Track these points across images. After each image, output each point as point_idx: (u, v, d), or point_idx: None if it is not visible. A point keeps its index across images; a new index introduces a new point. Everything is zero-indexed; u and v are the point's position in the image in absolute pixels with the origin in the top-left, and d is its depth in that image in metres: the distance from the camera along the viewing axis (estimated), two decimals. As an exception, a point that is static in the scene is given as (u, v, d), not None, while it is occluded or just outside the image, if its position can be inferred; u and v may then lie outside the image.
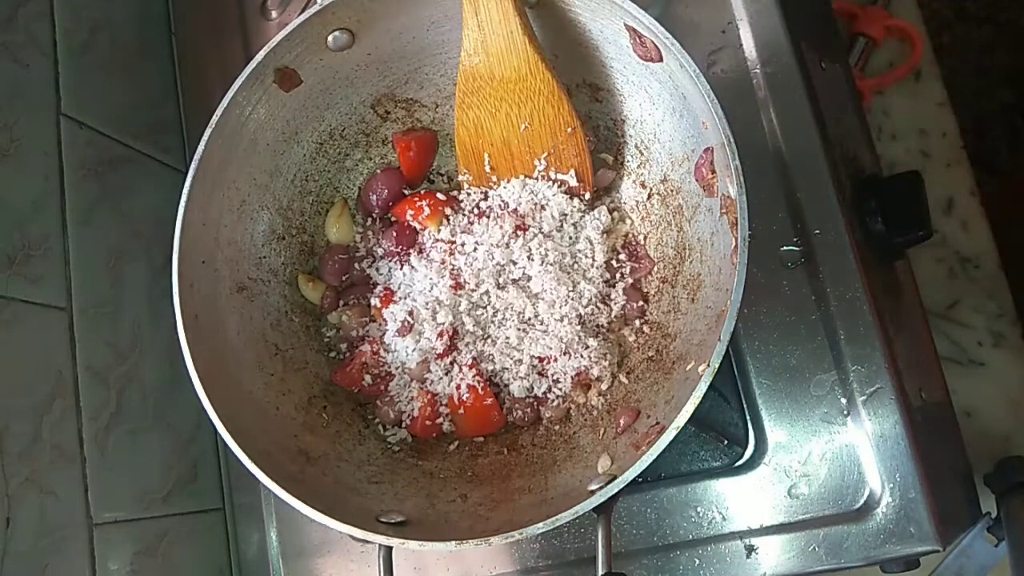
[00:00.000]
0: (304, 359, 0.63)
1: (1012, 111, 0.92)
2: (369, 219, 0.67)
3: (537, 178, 0.63)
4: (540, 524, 0.46)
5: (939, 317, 0.83)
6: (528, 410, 0.61)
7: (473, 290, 0.61)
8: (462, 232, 0.63)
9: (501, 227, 0.61)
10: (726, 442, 0.63)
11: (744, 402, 0.63)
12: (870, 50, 0.88)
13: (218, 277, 0.59)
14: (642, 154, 0.62)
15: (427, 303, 0.60)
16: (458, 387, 0.60)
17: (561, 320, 0.59)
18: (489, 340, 0.61)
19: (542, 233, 0.61)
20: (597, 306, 0.61)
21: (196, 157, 0.56)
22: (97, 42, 0.72)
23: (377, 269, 0.65)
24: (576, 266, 0.61)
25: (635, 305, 0.61)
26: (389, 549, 0.52)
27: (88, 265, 0.66)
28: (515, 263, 0.61)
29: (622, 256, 0.62)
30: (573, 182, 0.63)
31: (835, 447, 0.60)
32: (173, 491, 0.70)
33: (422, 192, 0.65)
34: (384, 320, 0.62)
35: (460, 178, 0.65)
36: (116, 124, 0.72)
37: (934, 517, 0.58)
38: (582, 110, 0.62)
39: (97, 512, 0.61)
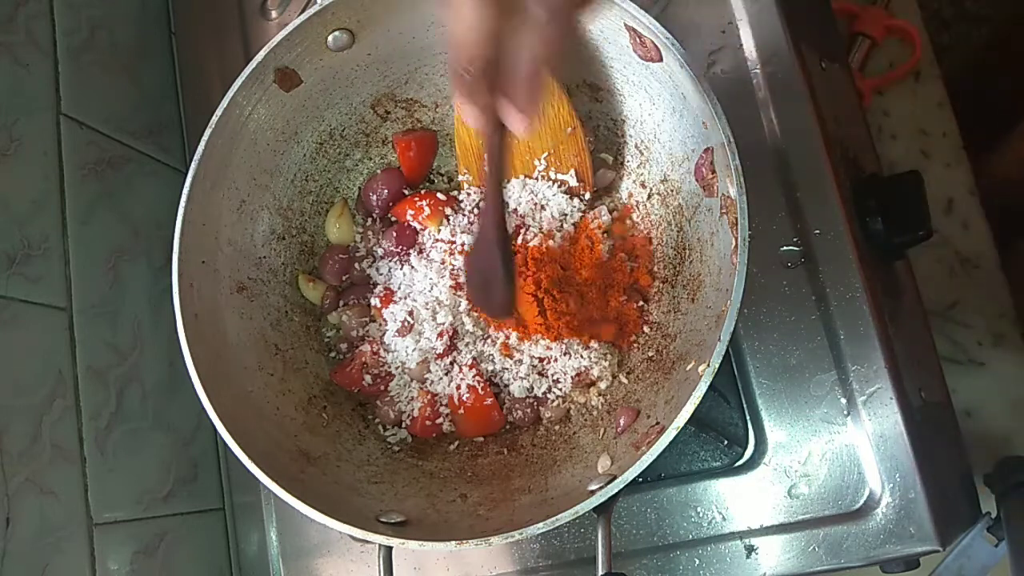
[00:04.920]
0: (304, 359, 0.63)
1: (1012, 111, 0.92)
2: (369, 219, 0.67)
3: (537, 178, 0.63)
4: (540, 524, 0.46)
5: (939, 317, 0.83)
6: (528, 410, 0.61)
7: (473, 290, 0.61)
8: (462, 232, 0.63)
9: (501, 227, 0.61)
10: (726, 442, 0.63)
11: (744, 402, 0.63)
12: (870, 50, 0.88)
13: (218, 277, 0.59)
14: (642, 154, 0.62)
15: (427, 303, 0.60)
16: (458, 387, 0.60)
17: (561, 320, 0.59)
18: (489, 340, 0.61)
19: (542, 233, 0.61)
20: (597, 306, 0.61)
21: (196, 157, 0.56)
22: (97, 42, 0.72)
23: (377, 269, 0.65)
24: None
25: (635, 305, 0.61)
26: (389, 549, 0.52)
27: (88, 265, 0.66)
28: (515, 263, 0.61)
29: (622, 256, 0.62)
30: (573, 182, 0.63)
31: (835, 447, 0.60)
32: (173, 491, 0.70)
33: (422, 192, 0.65)
34: (384, 320, 0.62)
35: (460, 178, 0.65)
36: (116, 124, 0.72)
37: (934, 517, 0.58)
38: (582, 110, 0.62)
39: (97, 512, 0.61)
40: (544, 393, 0.61)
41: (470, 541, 0.48)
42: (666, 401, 0.53)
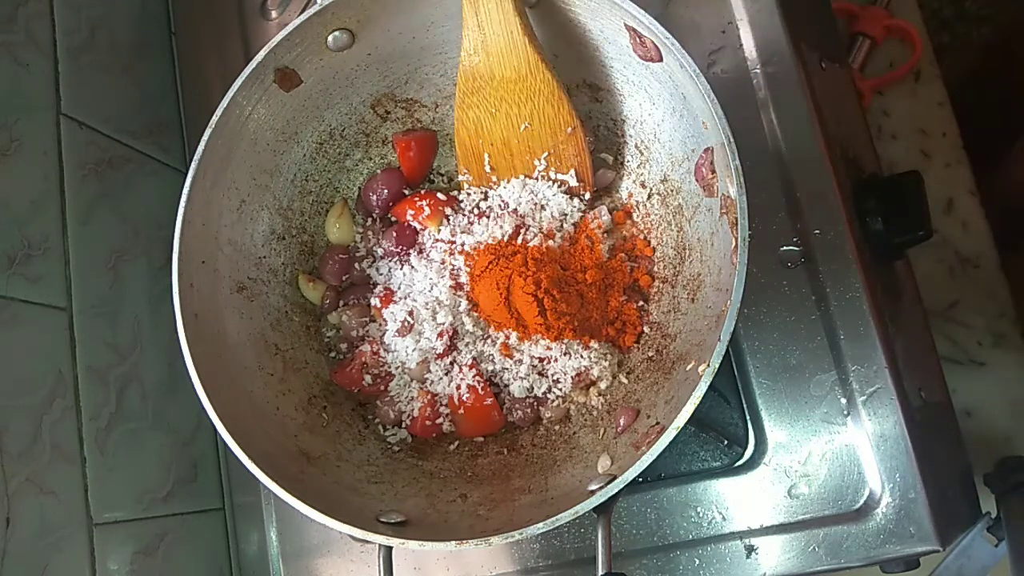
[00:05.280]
0: (304, 359, 0.63)
1: (1013, 111, 0.92)
2: (369, 219, 0.67)
3: (537, 178, 0.63)
4: (540, 524, 0.46)
5: (939, 317, 0.83)
6: (528, 410, 0.61)
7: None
8: (462, 232, 0.63)
9: (501, 227, 0.61)
10: (726, 442, 0.63)
11: (744, 402, 0.63)
12: (870, 50, 0.88)
13: (218, 277, 0.59)
14: (642, 154, 0.62)
15: (427, 303, 0.60)
16: (458, 387, 0.60)
17: (561, 320, 0.59)
18: (489, 340, 0.61)
19: (542, 233, 0.61)
20: (597, 306, 0.61)
21: (196, 157, 0.56)
22: (97, 42, 0.72)
23: (377, 269, 0.65)
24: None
25: (635, 305, 0.61)
26: (389, 549, 0.52)
27: (88, 265, 0.66)
28: (515, 263, 0.61)
29: (622, 256, 0.62)
30: (573, 182, 0.63)
31: (835, 447, 0.60)
32: (173, 491, 0.70)
33: (422, 192, 0.65)
34: (384, 320, 0.62)
35: (460, 178, 0.65)
36: (116, 124, 0.72)
37: (934, 517, 0.58)
38: (582, 110, 0.62)
39: (97, 512, 0.61)
40: (544, 393, 0.61)
41: (470, 541, 0.48)
42: (666, 401, 0.53)
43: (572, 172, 0.62)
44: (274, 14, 0.78)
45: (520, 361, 0.60)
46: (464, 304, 0.60)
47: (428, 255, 0.63)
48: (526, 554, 0.64)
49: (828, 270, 0.61)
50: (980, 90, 0.97)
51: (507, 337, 0.60)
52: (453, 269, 0.61)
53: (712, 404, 0.64)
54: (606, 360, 0.59)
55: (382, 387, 0.63)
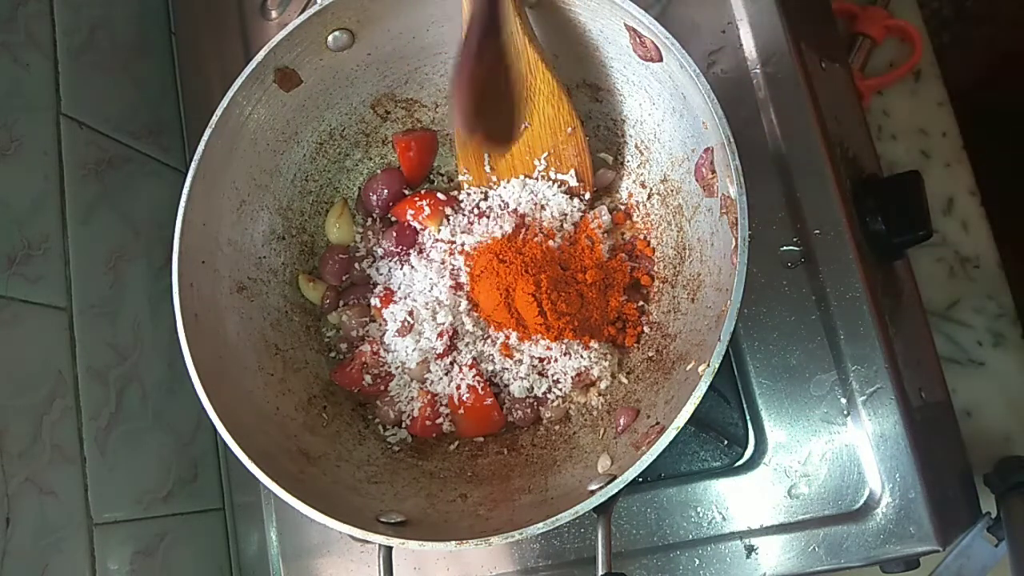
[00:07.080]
0: (304, 359, 0.63)
1: (1012, 111, 0.92)
2: (369, 219, 0.67)
3: (537, 178, 0.63)
4: (540, 524, 0.46)
5: (939, 317, 0.83)
6: (528, 410, 0.61)
7: (473, 290, 0.61)
8: (462, 232, 0.63)
9: (501, 227, 0.61)
10: (726, 442, 0.63)
11: (744, 402, 0.63)
12: (870, 50, 0.88)
13: (218, 277, 0.59)
14: (642, 154, 0.62)
15: (427, 303, 0.60)
16: (458, 387, 0.60)
17: (561, 320, 0.59)
18: (489, 340, 0.61)
19: (542, 233, 0.61)
20: (597, 306, 0.61)
21: (196, 157, 0.56)
22: (97, 42, 0.72)
23: (377, 269, 0.65)
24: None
25: (635, 305, 0.61)
26: (389, 549, 0.52)
27: (88, 265, 0.66)
28: (515, 263, 0.61)
29: (622, 256, 0.62)
30: (573, 182, 0.63)
31: (835, 447, 0.60)
32: (173, 491, 0.70)
33: (422, 192, 0.65)
34: (384, 320, 0.62)
35: (460, 178, 0.65)
36: (116, 124, 0.72)
37: (934, 517, 0.58)
38: (582, 110, 0.62)
39: (97, 512, 0.61)
40: (544, 393, 0.61)
41: (470, 541, 0.48)
42: (666, 401, 0.53)
43: (572, 172, 0.62)
44: (274, 14, 0.78)
45: (520, 361, 0.60)
46: (464, 304, 0.60)
47: (428, 255, 0.63)
48: (526, 554, 0.64)
49: (828, 270, 0.61)
50: (980, 90, 0.97)
51: (507, 337, 0.60)
52: (453, 269, 0.62)
53: (712, 404, 0.64)
54: (606, 360, 0.59)
55: (382, 387, 0.63)
